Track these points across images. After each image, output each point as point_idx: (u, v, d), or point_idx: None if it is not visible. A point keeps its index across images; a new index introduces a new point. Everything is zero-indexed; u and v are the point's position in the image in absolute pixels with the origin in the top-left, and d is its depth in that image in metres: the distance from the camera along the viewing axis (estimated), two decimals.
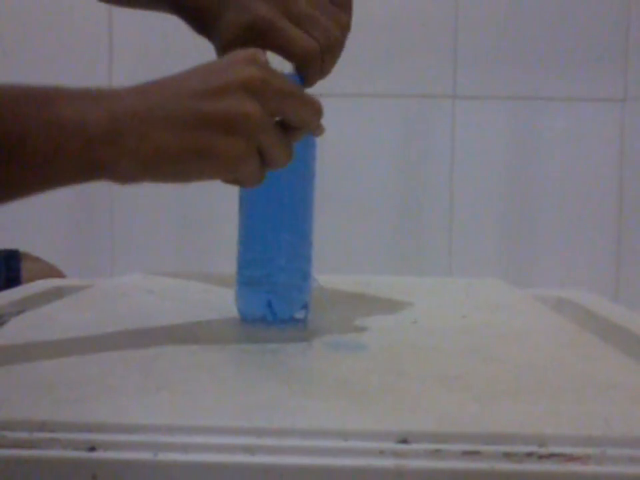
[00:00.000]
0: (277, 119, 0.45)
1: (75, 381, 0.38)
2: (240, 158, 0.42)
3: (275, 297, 0.52)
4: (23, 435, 0.31)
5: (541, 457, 0.30)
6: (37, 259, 0.97)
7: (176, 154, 0.41)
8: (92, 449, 0.30)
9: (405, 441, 0.30)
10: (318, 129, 0.48)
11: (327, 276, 0.60)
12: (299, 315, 0.53)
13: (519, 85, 1.28)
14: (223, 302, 0.60)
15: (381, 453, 0.30)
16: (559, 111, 1.28)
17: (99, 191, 1.27)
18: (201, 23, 0.53)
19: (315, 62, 0.49)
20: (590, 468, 0.29)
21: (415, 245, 1.28)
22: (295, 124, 0.45)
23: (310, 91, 0.51)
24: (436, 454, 0.30)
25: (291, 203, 0.53)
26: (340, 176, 1.25)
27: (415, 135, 1.28)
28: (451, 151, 1.28)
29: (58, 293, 0.70)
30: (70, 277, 0.96)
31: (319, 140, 0.52)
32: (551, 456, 0.30)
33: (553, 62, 1.27)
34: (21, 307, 0.62)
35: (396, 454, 0.30)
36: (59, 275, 0.96)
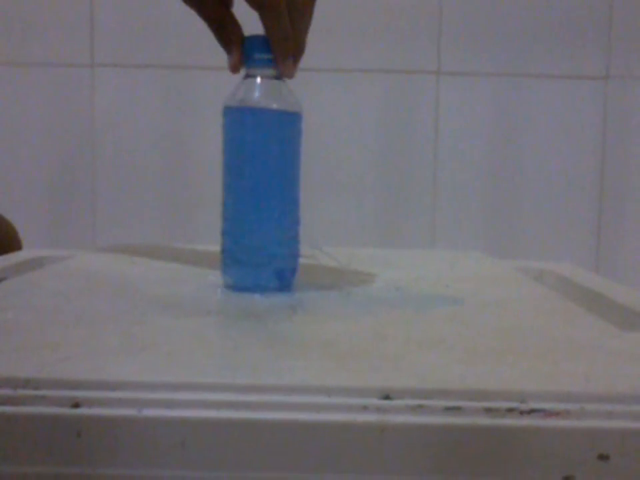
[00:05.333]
0: None
1: (59, 342, 0.38)
2: None
3: (263, 268, 0.52)
4: (7, 392, 0.31)
5: (521, 413, 0.30)
6: None
7: None
8: (76, 405, 0.30)
9: (387, 397, 0.31)
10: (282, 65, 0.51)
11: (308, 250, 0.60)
12: (285, 283, 0.53)
13: (502, 61, 1.28)
14: (206, 272, 0.60)
15: (364, 408, 0.30)
16: (542, 88, 1.28)
17: (80, 164, 1.26)
18: None
19: (288, 54, 0.52)
20: (569, 423, 0.30)
21: (399, 220, 1.28)
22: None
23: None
24: (418, 409, 0.30)
25: (278, 174, 0.52)
26: (324, 150, 1.25)
27: (399, 110, 1.28)
28: (435, 126, 1.28)
29: (39, 263, 0.70)
30: (50, 247, 0.95)
31: (304, 115, 0.53)
32: (531, 411, 0.30)
33: (536, 39, 1.27)
34: (1, 275, 0.61)
35: (379, 409, 0.30)
36: (11, 229, 0.93)
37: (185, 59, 1.24)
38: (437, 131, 1.28)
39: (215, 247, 0.55)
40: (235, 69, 0.52)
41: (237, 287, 0.52)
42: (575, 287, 0.59)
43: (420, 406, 0.30)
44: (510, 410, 0.30)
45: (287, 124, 0.52)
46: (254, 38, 0.52)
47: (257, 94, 0.51)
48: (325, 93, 1.24)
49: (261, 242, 0.52)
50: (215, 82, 1.17)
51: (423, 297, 0.53)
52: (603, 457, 0.29)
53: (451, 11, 1.27)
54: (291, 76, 0.52)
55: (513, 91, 1.28)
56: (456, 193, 1.28)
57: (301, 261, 0.54)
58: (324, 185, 1.25)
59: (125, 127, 1.26)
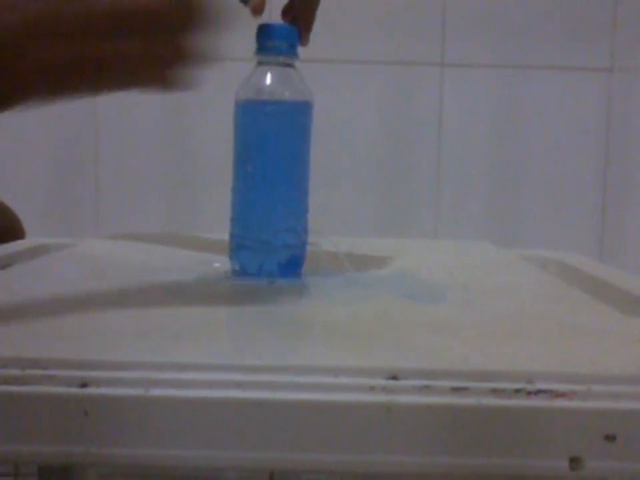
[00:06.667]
0: None
1: (66, 324, 0.38)
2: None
3: (271, 256, 0.52)
4: (15, 372, 0.31)
5: (528, 393, 0.30)
6: None
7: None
8: (84, 385, 0.30)
9: (394, 378, 0.31)
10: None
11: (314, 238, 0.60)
12: (293, 271, 0.53)
13: (506, 53, 1.27)
14: (212, 259, 0.60)
15: (371, 388, 0.30)
16: (546, 79, 1.28)
17: (84, 153, 1.26)
18: None
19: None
20: (575, 403, 0.30)
21: (402, 211, 1.28)
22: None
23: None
24: (425, 390, 0.30)
25: (289, 162, 0.53)
26: (327, 141, 1.24)
27: (403, 102, 1.28)
28: (439, 118, 1.28)
29: (45, 250, 0.70)
30: (54, 236, 0.95)
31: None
32: (538, 392, 0.30)
33: (541, 31, 1.27)
34: (6, 262, 0.62)
35: (386, 390, 0.30)
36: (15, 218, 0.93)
37: None
38: (441, 122, 1.28)
39: (220, 235, 0.55)
40: (257, 9, 0.48)
41: (243, 273, 0.52)
42: (579, 275, 0.59)
43: (427, 386, 0.30)
44: (517, 391, 0.30)
45: (298, 114, 0.52)
46: (267, 26, 0.51)
47: (269, 83, 0.51)
48: (328, 84, 1.24)
49: (269, 229, 0.52)
50: (220, 72, 1.17)
51: (427, 283, 0.53)
52: (610, 438, 0.29)
53: (454, 3, 1.26)
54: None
55: (517, 83, 1.28)
56: (459, 184, 1.28)
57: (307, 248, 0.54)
58: (327, 175, 1.25)
59: (128, 115, 1.26)
